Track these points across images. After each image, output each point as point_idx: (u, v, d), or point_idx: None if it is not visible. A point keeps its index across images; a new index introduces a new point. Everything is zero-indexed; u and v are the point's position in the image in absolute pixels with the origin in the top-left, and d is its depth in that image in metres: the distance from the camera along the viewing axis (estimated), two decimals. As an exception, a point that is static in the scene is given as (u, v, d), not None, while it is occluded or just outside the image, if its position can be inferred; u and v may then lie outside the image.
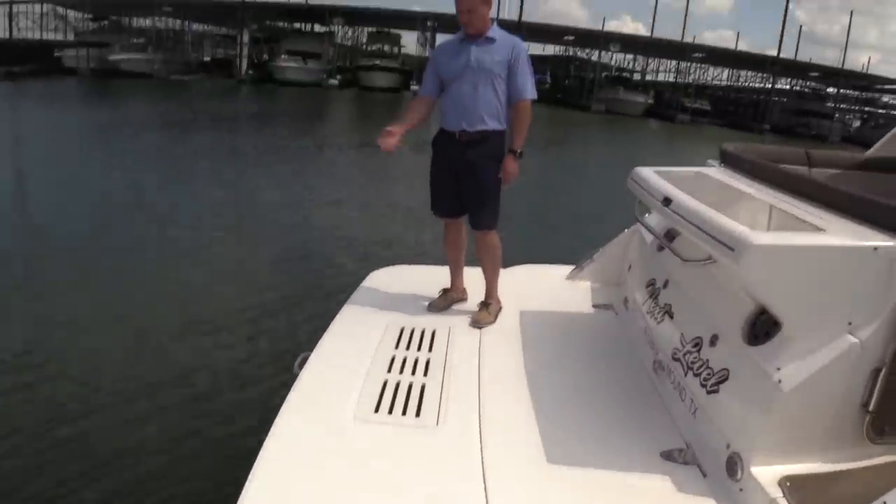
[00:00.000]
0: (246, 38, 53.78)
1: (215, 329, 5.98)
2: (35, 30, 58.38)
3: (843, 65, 61.42)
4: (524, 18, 51.45)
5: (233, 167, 14.34)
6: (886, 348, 2.15)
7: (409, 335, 3.35)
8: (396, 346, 3.22)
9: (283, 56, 52.50)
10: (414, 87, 51.89)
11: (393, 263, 4.58)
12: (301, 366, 2.95)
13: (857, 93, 64.48)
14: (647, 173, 3.36)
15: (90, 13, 57.47)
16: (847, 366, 2.15)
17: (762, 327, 2.40)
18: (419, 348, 3.22)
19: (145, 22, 59.41)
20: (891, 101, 67.57)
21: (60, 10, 59.11)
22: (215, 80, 50.38)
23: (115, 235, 8.67)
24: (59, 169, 12.95)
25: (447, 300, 3.81)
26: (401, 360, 3.07)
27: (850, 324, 2.17)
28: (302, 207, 11.18)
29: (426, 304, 3.77)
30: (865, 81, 63.73)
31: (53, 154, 14.62)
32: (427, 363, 3.07)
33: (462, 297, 3.88)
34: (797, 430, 2.20)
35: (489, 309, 3.69)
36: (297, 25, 63.53)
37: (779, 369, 2.18)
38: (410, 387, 2.83)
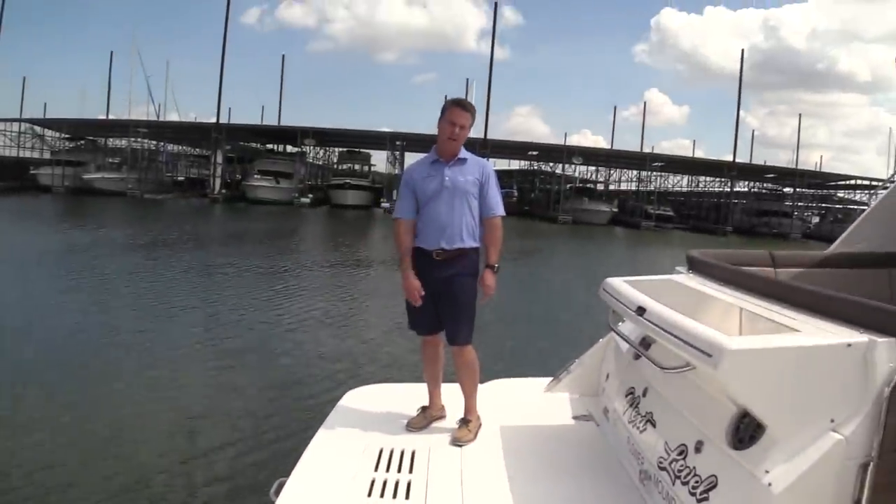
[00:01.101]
0: (220, 158, 54.76)
1: (189, 453, 5.76)
2: (12, 148, 59.47)
3: (796, 165, 64.63)
4: (489, 136, 53.22)
5: (202, 288, 14.26)
6: (871, 442, 2.15)
7: (388, 456, 3.26)
8: (376, 469, 3.13)
9: (255, 175, 53.58)
10: (385, 204, 52.95)
11: (369, 382, 4.52)
12: (278, 492, 2.85)
13: (812, 190, 67.13)
14: (619, 283, 3.41)
15: (67, 133, 58.59)
16: (834, 463, 2.14)
17: (746, 431, 2.39)
18: (399, 470, 3.13)
19: (121, 142, 60.66)
20: (845, 196, 70.27)
21: (38, 129, 60.19)
22: (189, 199, 50.99)
23: (79, 358, 8.40)
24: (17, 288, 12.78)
25: (426, 418, 3.75)
26: (381, 484, 2.98)
27: (832, 421, 2.17)
28: (277, 327, 11.06)
29: (404, 423, 3.70)
30: (820, 179, 66.69)
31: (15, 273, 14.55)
32: (408, 486, 2.97)
33: (441, 415, 3.82)
34: None
35: (469, 426, 3.63)
36: (269, 146, 65.21)
37: (767, 472, 2.16)
38: None
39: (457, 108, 3.73)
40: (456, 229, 3.69)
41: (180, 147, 69.10)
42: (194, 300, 12.86)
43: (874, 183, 57.01)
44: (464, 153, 3.80)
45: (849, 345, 2.20)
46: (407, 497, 2.87)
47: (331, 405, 3.94)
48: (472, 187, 3.75)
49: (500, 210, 3.84)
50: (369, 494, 2.88)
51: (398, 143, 56.99)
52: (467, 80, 66.05)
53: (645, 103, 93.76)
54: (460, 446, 3.47)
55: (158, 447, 5.84)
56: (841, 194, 71.63)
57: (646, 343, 3.27)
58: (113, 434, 6.06)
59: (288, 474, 2.98)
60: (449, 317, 3.77)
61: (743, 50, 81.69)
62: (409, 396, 4.02)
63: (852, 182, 66.26)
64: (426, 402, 3.84)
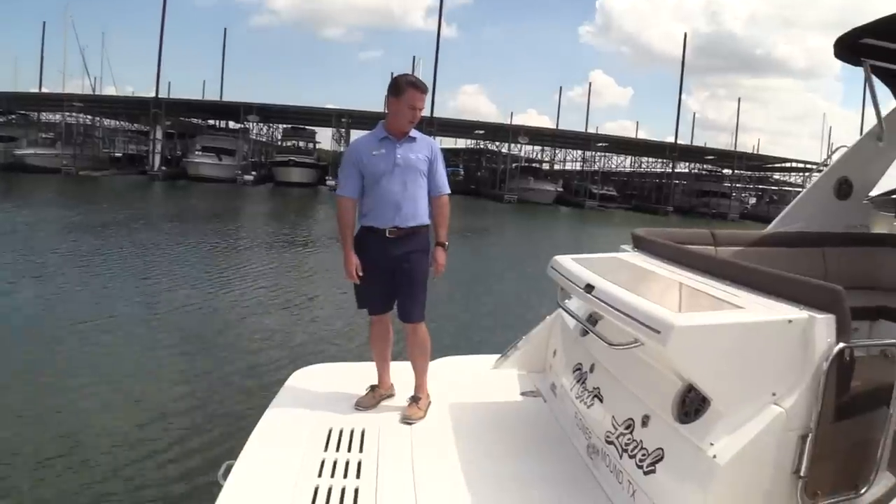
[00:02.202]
0: (159, 133, 53.08)
1: (134, 439, 5.61)
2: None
3: (735, 147, 66.36)
4: (435, 114, 52.96)
5: (142, 269, 13.84)
6: (811, 414, 2.24)
7: (337, 436, 3.25)
8: (325, 449, 3.11)
9: (197, 152, 52.12)
10: (330, 182, 52.32)
11: (316, 361, 4.48)
12: (226, 475, 2.81)
13: (750, 172, 68.90)
14: (567, 261, 3.45)
15: (-3, 107, 55.94)
16: (776, 435, 2.22)
17: (691, 405, 2.46)
18: (349, 449, 3.12)
19: (55, 117, 58.17)
20: (781, 178, 72.49)
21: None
22: (127, 176, 49.40)
23: (16, 345, 8.09)
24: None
25: (375, 397, 3.75)
26: (331, 464, 2.96)
27: (774, 394, 2.26)
28: (220, 308, 10.84)
29: (353, 402, 3.68)
30: (757, 161, 68.57)
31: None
32: (359, 465, 2.97)
33: (390, 393, 3.82)
34: (736, 501, 2.24)
35: (419, 404, 3.64)
36: (211, 122, 63.54)
37: (712, 444, 2.23)
38: (343, 492, 2.73)
39: (417, 92, 3.67)
40: (410, 207, 3.68)
41: (118, 122, 66.75)
42: (134, 282, 12.47)
43: (808, 166, 59.10)
44: (413, 132, 3.79)
45: (790, 321, 2.27)
46: (358, 476, 2.86)
47: (278, 386, 3.90)
48: (423, 165, 3.75)
49: (447, 188, 3.90)
50: (319, 475, 2.85)
51: (343, 120, 56.25)
52: (414, 57, 65.49)
53: (590, 84, 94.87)
54: (410, 424, 3.48)
55: (101, 433, 5.67)
56: (777, 176, 73.81)
57: (593, 319, 3.32)
58: (53, 421, 5.88)
59: (236, 457, 2.94)
60: (404, 294, 3.78)
61: (686, 34, 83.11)
62: (357, 375, 4.00)
63: (788, 165, 68.35)
64: (374, 381, 3.83)
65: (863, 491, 2.39)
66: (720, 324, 2.31)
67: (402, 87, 3.65)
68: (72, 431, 5.65)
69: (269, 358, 8.16)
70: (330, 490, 2.73)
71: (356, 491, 2.73)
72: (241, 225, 25.25)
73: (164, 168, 51.52)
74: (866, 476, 2.41)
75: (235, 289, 12.44)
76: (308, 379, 4.06)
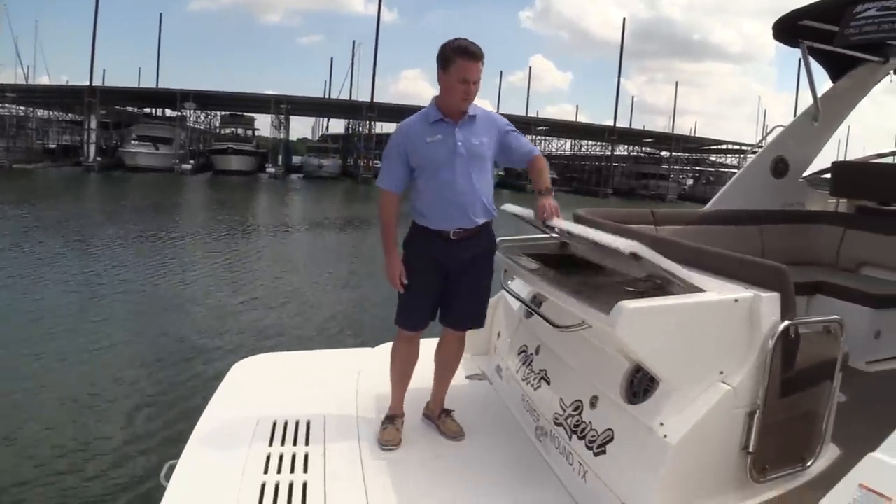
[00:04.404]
0: (94, 123, 51.18)
1: (72, 440, 5.37)
2: None
3: (673, 130, 67.88)
4: (375, 99, 52.56)
5: (77, 264, 13.34)
6: (758, 391, 2.28)
7: (282, 429, 3.15)
8: (270, 443, 3.02)
9: (133, 141, 50.52)
10: (270, 169, 51.47)
11: (256, 352, 4.34)
12: (168, 476, 2.69)
13: (687, 154, 70.52)
14: (514, 244, 3.42)
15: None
16: (724, 413, 2.25)
17: (640, 385, 2.47)
18: (295, 443, 3.03)
19: (-16, 109, 55.59)
20: (717, 160, 74.40)
21: None
22: (62, 168, 47.59)
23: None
24: None
25: (399, 429, 3.21)
26: (277, 459, 2.87)
27: (721, 373, 2.28)
28: (157, 301, 10.55)
29: (297, 393, 3.56)
30: (694, 143, 70.28)
31: None
32: (305, 458, 2.89)
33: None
34: (687, 479, 2.26)
35: (454, 416, 3.35)
36: (147, 110, 61.69)
37: (662, 424, 2.25)
38: (291, 487, 2.65)
39: (468, 61, 2.95)
40: (477, 204, 3.08)
41: (51, 112, 64.13)
42: (69, 276, 12.00)
43: (744, 147, 60.76)
44: (472, 107, 3.10)
45: (736, 300, 2.30)
46: (305, 471, 2.79)
47: (219, 379, 3.76)
48: (489, 150, 3.12)
49: (536, 150, 3.30)
50: (265, 471, 2.77)
51: (283, 106, 55.28)
52: (354, 42, 64.88)
53: (530, 69, 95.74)
54: (462, 440, 3.23)
55: (36, 435, 5.42)
56: (713, 158, 75.75)
57: (537, 301, 3.30)
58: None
59: (178, 456, 2.83)
60: (465, 301, 3.23)
61: (624, 18, 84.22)
62: (299, 365, 3.92)
63: (724, 147, 70.20)
64: (319, 371, 3.70)
65: (809, 463, 2.47)
66: (668, 304, 2.31)
67: (450, 57, 2.95)
68: None
69: (209, 349, 7.97)
70: (277, 486, 2.65)
71: (304, 486, 2.66)
72: (178, 215, 24.58)
73: (99, 159, 49.76)
74: (812, 449, 2.48)
75: (173, 280, 12.10)
76: (249, 370, 3.95)
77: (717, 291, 2.36)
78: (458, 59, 2.94)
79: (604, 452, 2.50)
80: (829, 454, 2.57)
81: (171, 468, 2.73)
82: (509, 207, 3.49)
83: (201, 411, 3.31)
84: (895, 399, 3.42)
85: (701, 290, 2.34)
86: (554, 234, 3.24)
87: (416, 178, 3.09)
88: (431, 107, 3.10)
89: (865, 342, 3.84)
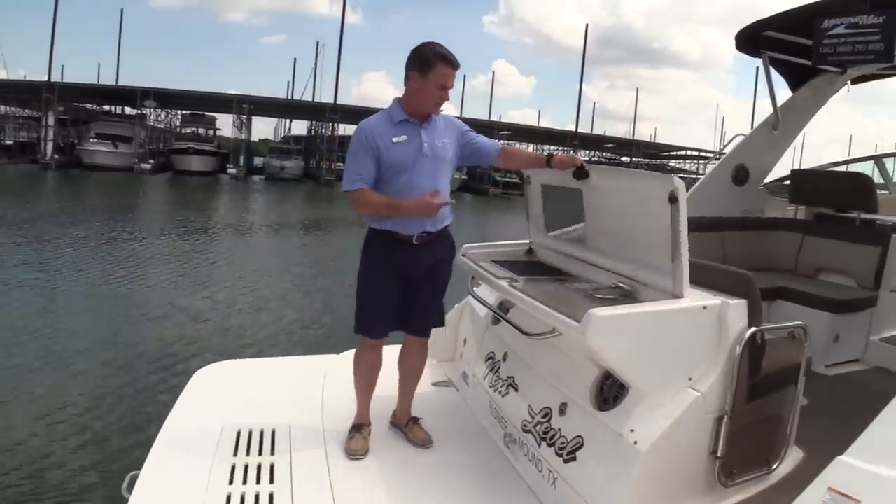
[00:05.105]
0: (51, 120, 49.88)
1: (31, 451, 5.21)
2: None
3: (633, 135, 68.89)
4: (339, 101, 52.22)
5: (32, 266, 13.00)
6: (725, 397, 2.32)
7: (247, 438, 3.09)
8: (235, 453, 2.95)
9: (91, 139, 49.39)
10: (231, 170, 50.76)
11: (218, 359, 4.26)
12: (130, 487, 2.61)
13: (647, 160, 71.52)
14: (480, 250, 3.42)
15: None
16: (694, 419, 2.29)
17: (609, 392, 2.49)
18: (260, 452, 2.97)
19: (-60, 104, 53.96)
20: (677, 166, 75.64)
21: None
22: (18, 165, 46.35)
23: None
24: None
25: (366, 437, 3.16)
26: (242, 469, 2.81)
27: (690, 379, 2.32)
28: (116, 306, 10.30)
29: (260, 400, 3.49)
30: (654, 149, 71.35)
31: None
32: (271, 468, 2.83)
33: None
34: (657, 485, 2.28)
35: (423, 423, 3.30)
36: (106, 107, 60.41)
37: (632, 431, 2.27)
38: (258, 498, 2.60)
39: (450, 68, 2.97)
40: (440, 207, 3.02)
41: (8, 108, 62.40)
42: (22, 280, 11.66)
43: (703, 154, 61.90)
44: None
45: (704, 307, 2.33)
46: (271, 482, 2.73)
47: (181, 387, 3.67)
48: (450, 152, 3.11)
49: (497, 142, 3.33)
50: (230, 482, 2.71)
51: (245, 106, 54.53)
52: (317, 42, 64.46)
53: (493, 73, 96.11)
54: (430, 447, 3.19)
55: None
56: (673, 164, 76.96)
57: (504, 307, 3.30)
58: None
59: (140, 466, 2.75)
60: (425, 306, 3.21)
61: (587, 25, 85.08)
62: (263, 372, 3.86)
63: (683, 153, 71.40)
64: (283, 378, 3.62)
65: (774, 466, 2.53)
66: (638, 312, 2.34)
67: (432, 62, 2.93)
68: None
69: (170, 356, 7.81)
70: (243, 497, 2.59)
71: (271, 497, 2.61)
72: (138, 218, 24.02)
73: (56, 156, 48.57)
74: (777, 452, 2.54)
75: (131, 285, 11.86)
76: (211, 378, 3.86)
77: (686, 299, 2.39)
78: (440, 65, 2.94)
79: (574, 459, 2.50)
80: (793, 457, 2.63)
81: (133, 479, 2.66)
82: (537, 176, 3.52)
83: (163, 420, 3.22)
84: (854, 401, 3.50)
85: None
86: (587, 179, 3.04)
87: (378, 180, 3.02)
88: (395, 107, 3.06)
89: (825, 346, 3.93)
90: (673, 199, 2.38)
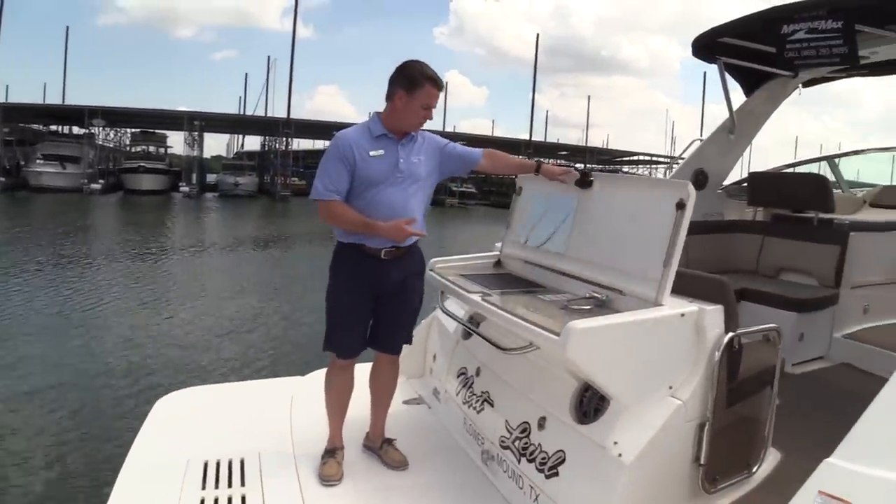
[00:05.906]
0: (-4, 141, 48.44)
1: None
2: None
3: (586, 142, 69.85)
4: (292, 115, 51.81)
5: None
6: (706, 403, 2.31)
7: (215, 469, 2.97)
8: (203, 486, 2.84)
9: (38, 160, 48.09)
10: (184, 188, 49.96)
11: (182, 386, 4.12)
12: None
13: (601, 166, 72.54)
14: (448, 264, 3.37)
15: None
16: (676, 427, 2.27)
17: (589, 404, 2.45)
18: (230, 484, 2.85)
19: None
20: (630, 171, 76.88)
21: None
22: (-38, 189, 44.90)
23: None
24: None
25: (340, 462, 3.09)
26: (212, 502, 2.70)
27: (671, 387, 2.31)
28: (68, 335, 9.95)
29: (226, 428, 3.37)
30: (607, 155, 72.42)
31: None
32: (243, 500, 2.73)
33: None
34: (643, 496, 2.25)
35: (397, 444, 3.24)
36: (53, 127, 58.98)
37: (616, 443, 2.24)
38: None
39: (436, 90, 2.99)
40: (411, 224, 2.96)
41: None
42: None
43: (655, 158, 62.92)
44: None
45: (682, 314, 2.31)
46: None
47: (142, 417, 3.52)
48: (425, 169, 3.08)
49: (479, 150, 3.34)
50: None
51: (196, 122, 53.91)
52: (269, 57, 63.95)
53: (446, 84, 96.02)
54: (406, 469, 3.11)
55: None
56: (626, 169, 78.21)
57: (475, 322, 3.25)
58: None
59: (104, 503, 2.62)
60: (394, 323, 3.16)
61: (538, 34, 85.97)
62: (228, 397, 3.75)
63: (636, 158, 72.57)
64: (252, 405, 3.50)
65: (755, 469, 2.54)
66: (617, 322, 2.31)
67: (419, 82, 2.94)
68: None
69: (129, 385, 7.55)
70: None
71: None
72: (88, 241, 23.40)
73: (2, 179, 47.15)
74: (757, 455, 2.55)
75: (84, 312, 11.50)
76: (175, 406, 3.73)
77: (665, 307, 2.37)
78: (427, 85, 2.96)
79: (556, 474, 2.46)
80: (771, 457, 2.64)
81: None
82: (529, 185, 3.47)
83: (125, 453, 3.09)
84: (824, 398, 3.54)
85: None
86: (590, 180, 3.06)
87: (349, 192, 2.97)
88: (374, 121, 3.04)
89: (791, 345, 3.97)
90: (681, 206, 2.37)
